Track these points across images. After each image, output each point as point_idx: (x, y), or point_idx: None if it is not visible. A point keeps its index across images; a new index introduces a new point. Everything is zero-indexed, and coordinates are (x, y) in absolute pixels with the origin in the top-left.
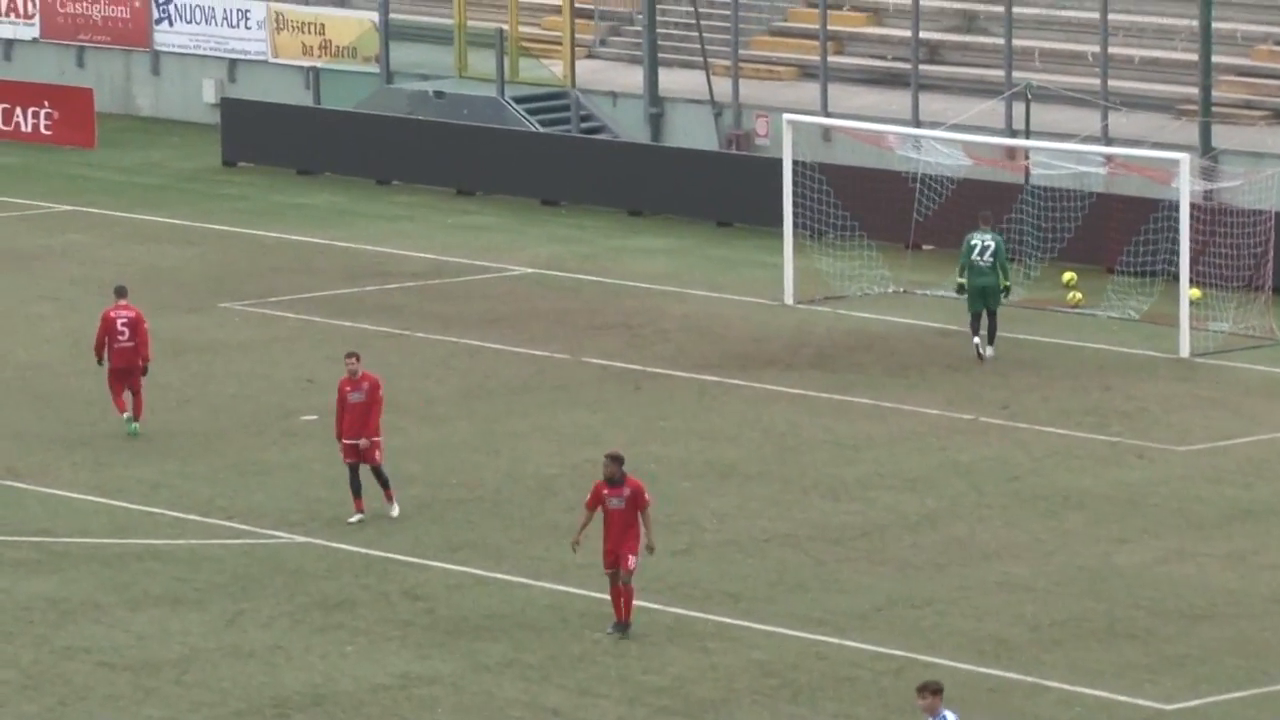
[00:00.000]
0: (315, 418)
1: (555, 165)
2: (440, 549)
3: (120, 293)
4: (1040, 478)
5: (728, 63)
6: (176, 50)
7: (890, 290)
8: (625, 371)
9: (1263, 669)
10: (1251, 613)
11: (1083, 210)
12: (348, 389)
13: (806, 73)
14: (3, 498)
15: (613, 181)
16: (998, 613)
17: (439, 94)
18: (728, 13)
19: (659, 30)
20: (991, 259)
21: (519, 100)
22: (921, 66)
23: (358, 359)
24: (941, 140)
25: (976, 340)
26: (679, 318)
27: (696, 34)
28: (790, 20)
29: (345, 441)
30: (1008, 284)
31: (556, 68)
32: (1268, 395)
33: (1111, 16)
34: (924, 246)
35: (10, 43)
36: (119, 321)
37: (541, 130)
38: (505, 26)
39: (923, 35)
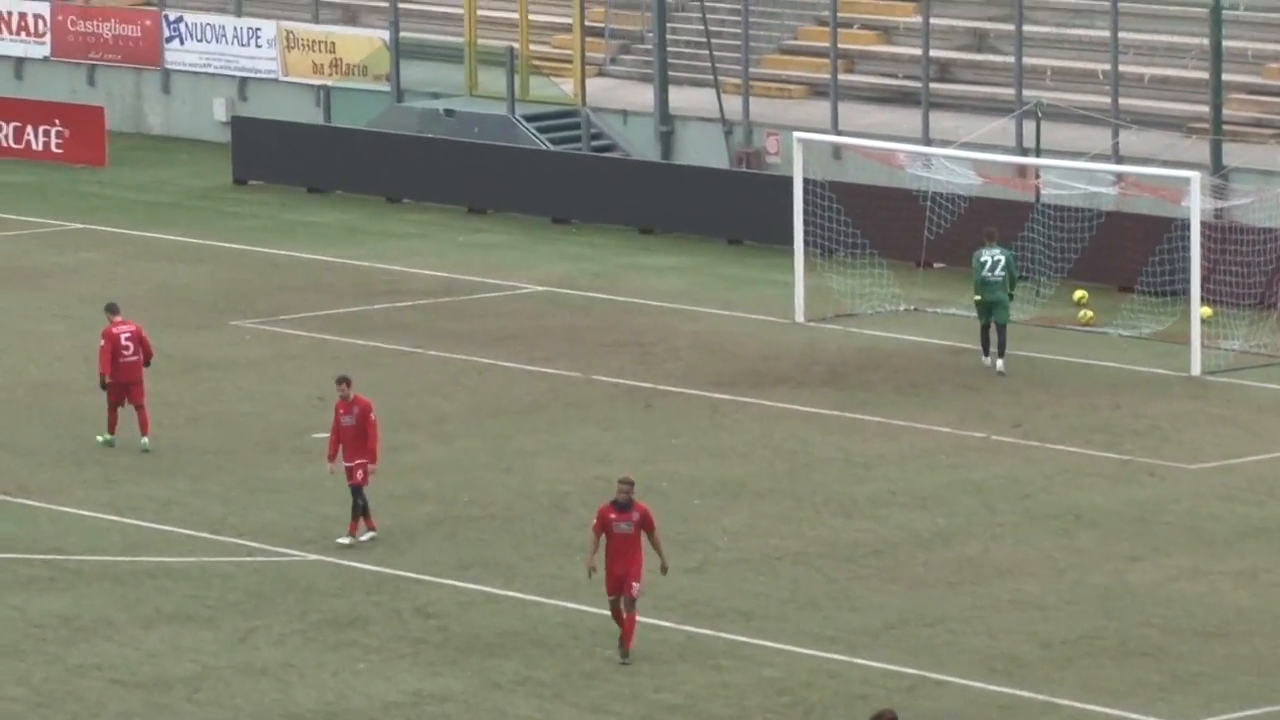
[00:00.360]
0: (326, 435)
1: (566, 183)
2: (452, 566)
3: (113, 309)
4: (1052, 495)
5: (738, 81)
6: (187, 69)
7: (901, 308)
8: (636, 389)
9: (1275, 687)
10: (1264, 630)
11: (1093, 229)
12: (341, 412)
13: (817, 91)
14: (15, 515)
15: (624, 199)
16: (1010, 631)
17: (450, 112)
18: (738, 31)
19: (669, 48)
20: (1003, 273)
21: (530, 119)
22: (932, 85)
23: (348, 384)
24: (952, 158)
25: (985, 359)
26: (690, 335)
27: (707, 52)
28: (800, 38)
29: (345, 465)
30: (1013, 292)
31: (567, 86)
32: (1279, 413)
33: (1122, 35)
34: (935, 265)
35: (21, 61)
36: (123, 337)
37: (552, 148)
38: (516, 45)
39: (933, 54)
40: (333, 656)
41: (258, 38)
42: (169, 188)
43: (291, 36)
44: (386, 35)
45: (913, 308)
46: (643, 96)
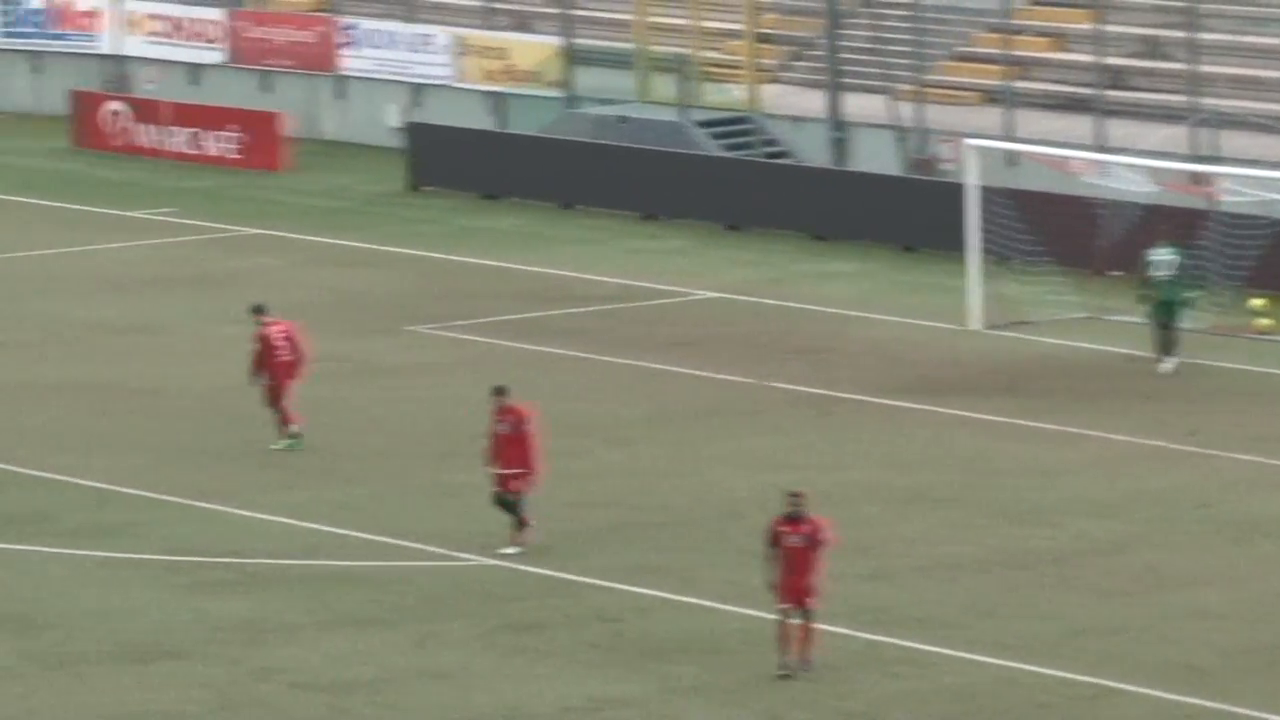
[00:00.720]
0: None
1: (739, 189)
2: (629, 571)
3: (261, 310)
4: (1231, 505)
5: (911, 87)
6: (361, 75)
7: (1078, 316)
8: (811, 396)
9: None
10: None
11: (1270, 236)
12: (496, 419)
13: (990, 97)
14: (195, 518)
15: (797, 205)
16: (1189, 640)
17: (623, 119)
18: (910, 37)
19: (841, 55)
20: (1174, 273)
21: (702, 125)
22: (1106, 92)
23: (503, 393)
24: (1127, 165)
25: (1162, 363)
26: (864, 342)
27: (878, 59)
28: (973, 45)
29: (498, 472)
30: (1190, 296)
31: (740, 92)
32: None
33: None
34: (1110, 272)
35: (198, 67)
36: (280, 336)
37: (725, 155)
38: (688, 51)
39: (1107, 61)
40: (510, 661)
41: (431, 44)
42: (344, 193)
43: (465, 43)
44: (560, 42)
45: (1090, 315)
46: (815, 103)
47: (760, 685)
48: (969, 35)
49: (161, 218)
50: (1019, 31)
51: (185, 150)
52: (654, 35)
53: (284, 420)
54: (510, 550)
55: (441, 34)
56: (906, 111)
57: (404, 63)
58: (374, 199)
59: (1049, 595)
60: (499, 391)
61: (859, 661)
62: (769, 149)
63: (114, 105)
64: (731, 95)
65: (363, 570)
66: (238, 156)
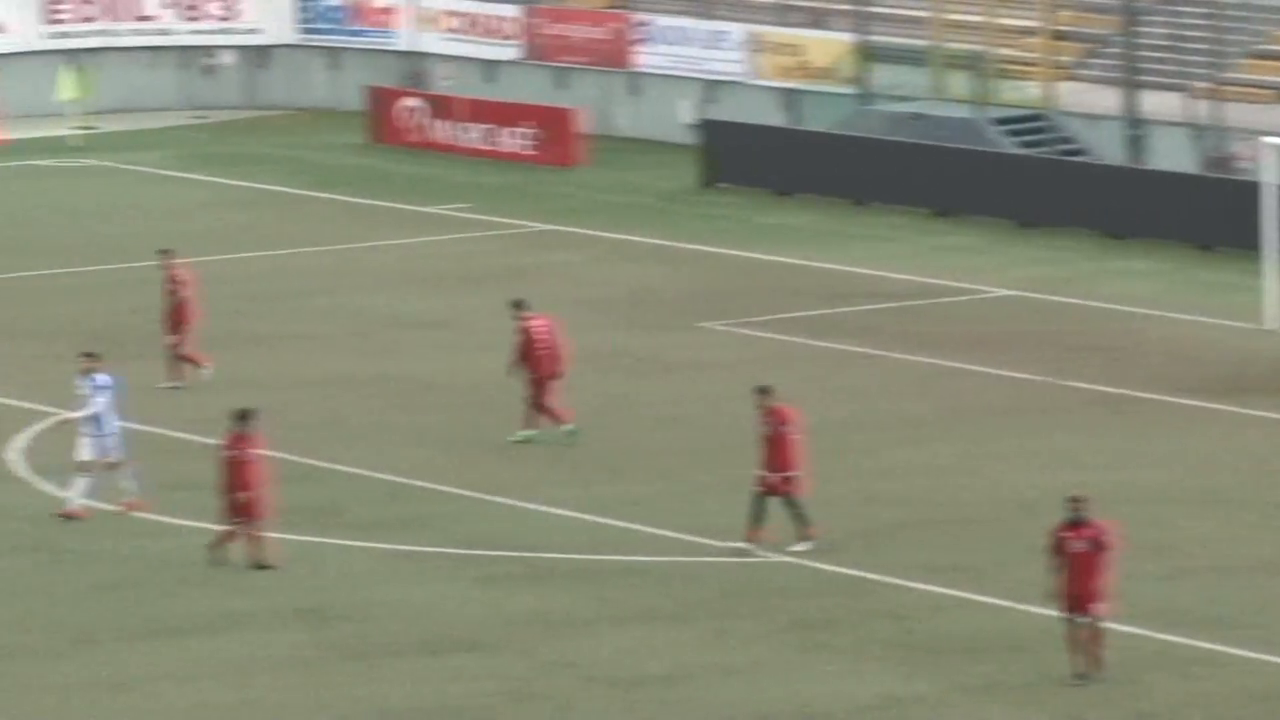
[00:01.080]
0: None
1: (1033, 187)
2: (921, 569)
3: (521, 305)
4: None
5: (1208, 85)
6: (655, 71)
7: None
8: (1106, 395)
9: None
10: None
11: None
12: (761, 420)
13: None
14: (489, 513)
15: (1092, 203)
16: None
17: (916, 116)
18: (1208, 34)
19: (1138, 52)
20: None
21: (997, 122)
22: None
23: (767, 393)
24: None
25: None
26: (1160, 341)
27: (1175, 56)
28: (1271, 43)
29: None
30: None
31: (1035, 89)
32: None
33: None
34: None
35: (493, 64)
36: (543, 331)
37: (1019, 152)
38: (983, 48)
39: None
40: (802, 658)
41: (725, 41)
42: (637, 189)
43: (759, 39)
44: (853, 38)
45: None
46: (1111, 100)
47: (1053, 686)
48: (1267, 33)
49: (456, 213)
50: None
51: (480, 146)
52: (949, 32)
53: (552, 419)
54: (799, 547)
55: (735, 30)
56: (1203, 109)
57: (698, 59)
58: (667, 195)
59: None
60: (763, 391)
61: (1154, 662)
62: (1064, 146)
63: (410, 101)
64: (1027, 92)
65: (653, 565)
66: (532, 152)
